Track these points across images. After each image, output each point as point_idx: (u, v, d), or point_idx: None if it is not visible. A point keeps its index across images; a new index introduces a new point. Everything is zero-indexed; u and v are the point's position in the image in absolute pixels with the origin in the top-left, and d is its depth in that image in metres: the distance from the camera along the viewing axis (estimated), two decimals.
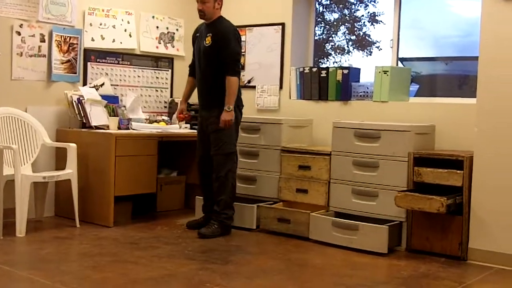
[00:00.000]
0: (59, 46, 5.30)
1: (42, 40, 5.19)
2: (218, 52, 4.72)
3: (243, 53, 5.85)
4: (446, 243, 4.31)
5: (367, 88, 5.25)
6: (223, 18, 4.87)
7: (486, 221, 4.20)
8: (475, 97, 4.34)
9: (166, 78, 6.20)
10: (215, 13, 4.81)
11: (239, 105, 4.87)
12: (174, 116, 5.50)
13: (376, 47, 6.26)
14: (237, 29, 4.88)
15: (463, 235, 4.24)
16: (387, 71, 5.04)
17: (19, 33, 5.04)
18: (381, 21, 6.17)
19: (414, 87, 5.56)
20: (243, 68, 5.76)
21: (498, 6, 4.16)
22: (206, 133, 4.87)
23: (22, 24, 5.05)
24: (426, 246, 4.38)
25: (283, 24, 5.79)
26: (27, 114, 5.05)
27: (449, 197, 4.11)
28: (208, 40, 4.76)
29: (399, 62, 5.47)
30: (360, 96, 5.30)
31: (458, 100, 4.96)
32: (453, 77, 5.65)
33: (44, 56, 5.22)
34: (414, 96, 5.48)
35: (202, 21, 4.91)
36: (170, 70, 6.22)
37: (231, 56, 4.72)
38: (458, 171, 4.20)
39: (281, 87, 5.80)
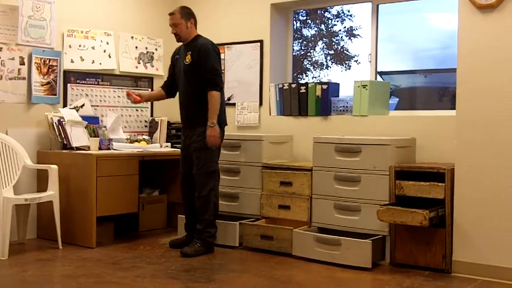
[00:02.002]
0: (39, 68, 5.16)
1: (22, 63, 5.06)
2: (198, 68, 4.59)
3: (222, 71, 5.70)
4: (429, 256, 4.16)
5: (347, 102, 5.13)
6: (201, 36, 4.77)
7: (469, 233, 4.06)
8: (455, 109, 4.21)
9: None
10: (190, 33, 4.71)
11: (221, 123, 4.68)
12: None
13: (354, 61, 6.15)
14: (215, 45, 4.75)
15: (446, 247, 4.11)
16: (366, 85, 4.92)
17: None
18: (358, 35, 6.08)
19: (394, 101, 5.47)
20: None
21: (475, 18, 4.07)
22: (189, 152, 4.72)
23: (1, 47, 4.93)
24: (410, 259, 4.23)
25: (261, 41, 5.68)
26: (8, 136, 4.91)
27: (431, 210, 3.99)
28: (187, 59, 4.65)
29: (378, 76, 5.36)
30: (340, 111, 5.17)
31: (438, 113, 4.85)
32: (433, 90, 5.56)
33: (24, 78, 5.08)
34: (394, 109, 5.37)
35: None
36: (150, 89, 6.07)
37: (211, 71, 4.57)
38: (440, 184, 4.08)
39: (261, 104, 5.68)
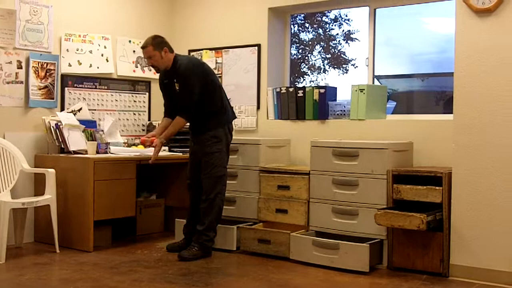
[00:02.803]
0: (36, 72, 5.13)
1: (19, 67, 5.03)
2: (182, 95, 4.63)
3: (219, 75, 5.74)
4: (427, 260, 4.12)
5: (344, 106, 5.10)
6: (178, 57, 4.70)
7: (467, 237, 4.03)
8: (452, 113, 4.18)
9: (144, 102, 6.03)
10: (167, 60, 4.66)
11: (228, 126, 4.72)
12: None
13: (352, 65, 6.12)
14: (198, 62, 4.75)
15: (444, 251, 4.07)
16: (364, 89, 4.89)
17: None
18: (356, 39, 6.05)
19: (391, 105, 5.44)
20: None
21: (472, 22, 4.05)
22: (197, 157, 4.72)
23: None
24: (408, 263, 4.20)
25: (259, 45, 5.64)
26: (5, 140, 4.88)
27: (429, 214, 3.95)
28: (177, 86, 4.65)
29: (375, 79, 5.33)
30: (337, 114, 5.14)
31: (435, 117, 4.82)
32: (430, 94, 5.53)
33: (22, 82, 5.05)
34: (392, 113, 5.33)
35: None
36: (147, 93, 6.06)
37: (185, 100, 4.57)
38: (437, 188, 4.04)
39: (258, 108, 5.64)
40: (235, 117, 4.92)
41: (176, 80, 4.62)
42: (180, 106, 4.60)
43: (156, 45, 4.61)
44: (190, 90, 4.56)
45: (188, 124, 4.74)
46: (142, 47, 4.70)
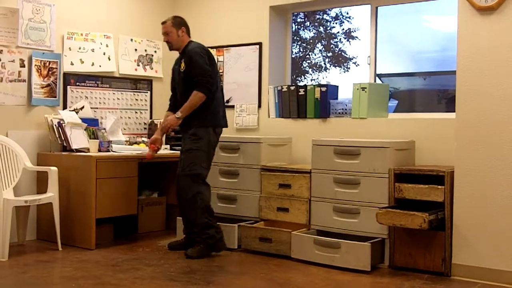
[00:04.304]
0: (39, 70, 5.05)
1: (22, 65, 4.95)
2: (190, 74, 4.49)
3: (221, 73, 5.60)
4: (429, 259, 4.02)
5: (346, 105, 4.99)
6: (192, 42, 4.67)
7: (469, 236, 3.92)
8: (454, 111, 4.06)
9: (145, 100, 5.93)
10: (182, 40, 4.63)
11: (214, 127, 4.56)
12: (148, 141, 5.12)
13: (353, 63, 6.00)
14: (205, 48, 4.62)
15: (446, 250, 3.96)
16: (365, 88, 4.77)
17: None
18: (356, 37, 5.93)
19: (393, 103, 5.31)
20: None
21: (474, 20, 3.93)
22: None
23: (2, 50, 4.82)
24: (409, 262, 4.09)
25: (260, 44, 5.54)
26: (8, 138, 4.81)
27: (431, 213, 3.85)
28: (182, 66, 4.57)
29: (377, 78, 5.20)
30: (339, 113, 5.02)
31: (437, 115, 4.70)
32: (432, 92, 5.41)
33: (24, 81, 4.97)
34: (393, 112, 5.20)
35: None
36: (149, 92, 5.96)
37: (198, 74, 4.44)
38: (439, 187, 3.93)
39: (259, 106, 5.53)
40: (225, 126, 4.69)
41: (185, 60, 4.54)
42: (195, 81, 4.44)
43: (175, 23, 4.62)
44: (196, 60, 4.45)
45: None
46: (162, 22, 4.67)
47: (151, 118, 5.95)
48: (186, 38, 4.66)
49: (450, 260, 3.96)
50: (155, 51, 6.01)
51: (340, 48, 6.18)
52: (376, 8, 5.11)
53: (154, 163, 5.30)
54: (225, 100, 4.83)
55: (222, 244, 4.58)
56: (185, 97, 4.51)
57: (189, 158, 4.48)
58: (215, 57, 4.78)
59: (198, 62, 4.45)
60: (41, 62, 5.05)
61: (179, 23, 4.64)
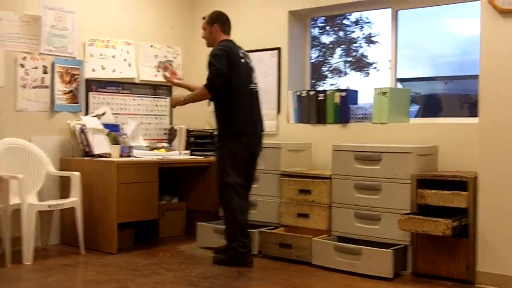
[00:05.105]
0: (61, 77, 5.03)
1: (45, 72, 4.94)
2: None
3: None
4: (452, 267, 3.88)
5: (366, 110, 4.85)
6: (223, 41, 4.37)
7: (494, 243, 3.78)
8: (477, 116, 3.93)
9: (165, 106, 5.87)
10: (214, 38, 4.40)
11: (237, 136, 4.28)
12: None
13: (373, 68, 5.89)
14: (230, 48, 4.30)
15: (470, 258, 3.82)
16: (386, 93, 4.64)
17: (22, 66, 4.81)
18: (377, 42, 5.81)
19: (414, 108, 5.17)
20: None
21: (497, 23, 3.79)
22: None
23: (25, 57, 4.81)
24: (432, 269, 3.96)
25: (279, 49, 5.44)
26: (32, 144, 4.81)
27: (454, 219, 3.72)
28: None
29: (397, 82, 5.07)
30: (359, 118, 4.89)
31: (459, 120, 4.56)
32: (454, 96, 5.28)
33: (47, 87, 4.96)
34: (415, 116, 5.07)
35: None
36: (168, 97, 5.88)
37: (208, 71, 4.24)
38: (463, 193, 3.80)
39: (278, 111, 5.42)
40: (254, 131, 4.38)
41: None
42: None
43: (209, 19, 4.42)
44: (209, 60, 4.23)
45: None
46: (203, 18, 4.51)
47: (171, 123, 5.89)
48: (219, 36, 4.41)
49: (474, 268, 3.81)
50: (175, 57, 5.96)
51: (362, 52, 6.07)
52: (397, 12, 4.98)
53: (174, 168, 5.25)
54: (258, 104, 4.47)
55: (245, 259, 4.31)
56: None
57: (217, 166, 4.38)
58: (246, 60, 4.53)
59: (210, 62, 4.23)
60: (63, 68, 5.03)
61: (213, 19, 4.41)
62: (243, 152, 4.30)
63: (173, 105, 4.78)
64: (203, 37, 4.49)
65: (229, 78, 4.22)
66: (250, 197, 4.54)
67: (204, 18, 4.50)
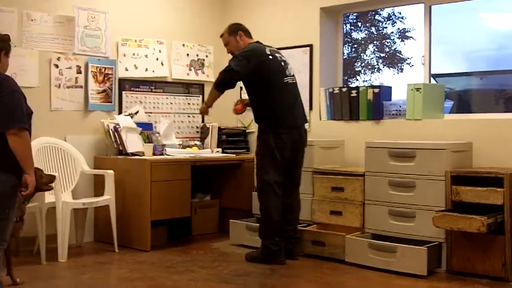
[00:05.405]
0: (95, 76, 5.17)
1: (79, 72, 5.08)
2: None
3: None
4: (488, 264, 3.88)
5: (400, 106, 4.87)
6: (249, 45, 4.52)
7: None
8: None
9: (197, 104, 5.95)
10: (243, 43, 4.52)
11: (275, 130, 4.35)
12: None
13: (407, 63, 5.88)
14: (253, 48, 4.43)
15: (505, 255, 3.82)
16: (420, 89, 4.65)
17: (57, 66, 4.95)
18: (411, 37, 5.80)
19: (449, 104, 5.15)
20: None
21: None
22: None
23: (59, 57, 4.96)
24: (467, 267, 3.97)
25: (311, 46, 5.47)
26: (66, 143, 4.95)
27: (489, 216, 3.72)
28: None
29: (431, 78, 5.06)
30: (393, 114, 4.91)
31: (495, 116, 4.55)
32: (489, 92, 5.23)
33: (81, 87, 5.09)
34: (449, 112, 5.06)
35: None
36: (200, 96, 5.99)
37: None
38: (498, 189, 3.79)
39: (311, 108, 5.44)
40: (293, 124, 4.42)
41: None
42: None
43: (230, 31, 4.57)
44: (231, 60, 4.36)
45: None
46: (220, 36, 4.65)
47: (203, 121, 5.97)
48: (246, 41, 4.54)
49: (510, 265, 3.80)
50: (207, 56, 6.04)
51: (395, 48, 6.07)
52: (430, 7, 4.97)
53: (207, 166, 5.34)
54: (296, 96, 4.53)
55: (277, 257, 4.36)
56: (249, 97, 4.55)
57: (258, 163, 4.46)
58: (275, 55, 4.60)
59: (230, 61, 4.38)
60: (97, 68, 5.16)
61: (235, 29, 4.57)
62: (283, 149, 4.36)
63: (202, 113, 4.91)
64: (231, 51, 4.55)
65: (246, 75, 4.34)
66: (298, 196, 4.59)
67: (222, 35, 4.63)
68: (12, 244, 3.74)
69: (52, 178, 4.02)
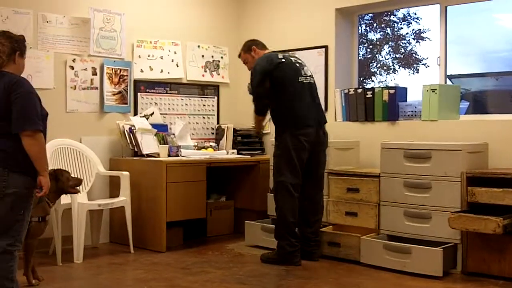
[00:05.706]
0: (110, 78, 5.25)
1: (94, 73, 5.16)
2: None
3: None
4: (504, 265, 3.94)
5: (415, 107, 4.93)
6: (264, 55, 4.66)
7: None
8: None
9: (213, 105, 6.05)
10: (259, 57, 4.67)
11: (292, 130, 4.43)
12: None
13: (422, 64, 5.92)
14: (264, 59, 4.55)
15: None
16: (436, 89, 4.70)
17: (72, 68, 5.03)
18: (427, 38, 5.84)
19: (464, 104, 5.20)
20: None
21: None
22: None
23: (74, 59, 5.04)
24: (483, 268, 4.03)
25: (326, 47, 5.54)
26: (82, 144, 5.02)
27: (505, 217, 3.77)
28: None
29: (447, 79, 5.11)
30: (408, 115, 4.97)
31: (511, 117, 4.59)
32: (505, 93, 5.26)
33: (96, 88, 5.18)
34: (465, 113, 5.11)
35: None
36: (216, 97, 6.08)
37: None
38: None
39: (326, 109, 5.49)
40: (311, 125, 4.47)
41: None
42: None
43: (245, 49, 4.77)
44: (251, 80, 4.56)
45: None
46: (238, 56, 4.88)
47: (218, 123, 6.05)
48: (260, 53, 4.69)
49: None
50: (222, 57, 6.11)
51: (411, 49, 6.11)
52: (446, 7, 5.03)
53: (222, 167, 5.41)
54: (313, 96, 4.62)
55: (292, 258, 4.42)
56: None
57: (274, 165, 4.57)
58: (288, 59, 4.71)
59: (251, 80, 4.57)
60: (112, 70, 5.23)
61: (248, 46, 4.75)
62: (300, 150, 4.43)
63: (257, 132, 4.98)
64: (250, 67, 4.68)
65: (268, 89, 4.50)
66: (320, 199, 4.66)
67: (240, 55, 4.83)
68: (33, 244, 3.78)
69: (79, 181, 4.12)
